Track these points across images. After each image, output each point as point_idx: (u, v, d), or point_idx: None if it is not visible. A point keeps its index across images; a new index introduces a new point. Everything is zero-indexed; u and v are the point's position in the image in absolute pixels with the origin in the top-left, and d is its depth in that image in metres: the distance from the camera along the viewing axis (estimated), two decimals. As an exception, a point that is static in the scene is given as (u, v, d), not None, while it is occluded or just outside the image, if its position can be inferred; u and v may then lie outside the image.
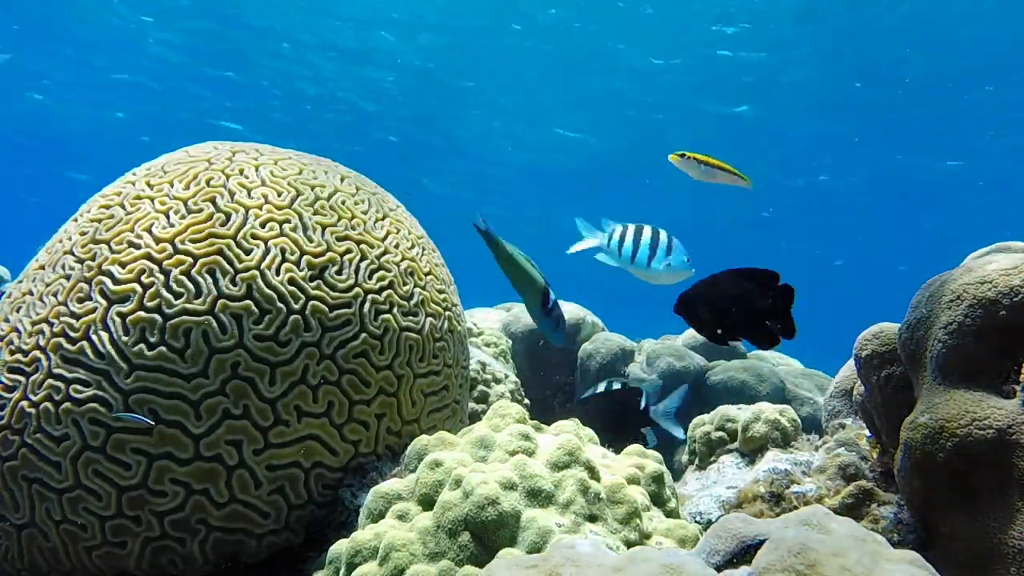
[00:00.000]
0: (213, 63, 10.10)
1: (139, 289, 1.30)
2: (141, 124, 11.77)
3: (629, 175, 12.50)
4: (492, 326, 3.05)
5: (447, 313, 1.60)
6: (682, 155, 1.88)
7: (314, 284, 1.38)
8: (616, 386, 1.84)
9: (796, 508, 1.42)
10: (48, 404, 1.26)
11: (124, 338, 1.28)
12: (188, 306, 1.29)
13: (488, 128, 11.45)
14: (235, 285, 1.33)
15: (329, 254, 1.42)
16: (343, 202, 1.51)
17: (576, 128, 11.40)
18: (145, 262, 1.33)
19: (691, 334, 3.35)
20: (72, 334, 1.29)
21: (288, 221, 1.42)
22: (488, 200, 14.57)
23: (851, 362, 1.71)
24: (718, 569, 0.76)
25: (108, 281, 1.32)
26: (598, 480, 1.08)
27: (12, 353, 1.32)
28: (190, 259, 1.33)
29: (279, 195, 1.45)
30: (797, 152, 11.29)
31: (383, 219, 1.57)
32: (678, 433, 1.74)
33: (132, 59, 10.06)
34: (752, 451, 1.79)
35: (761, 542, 0.73)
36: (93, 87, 10.87)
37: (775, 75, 9.30)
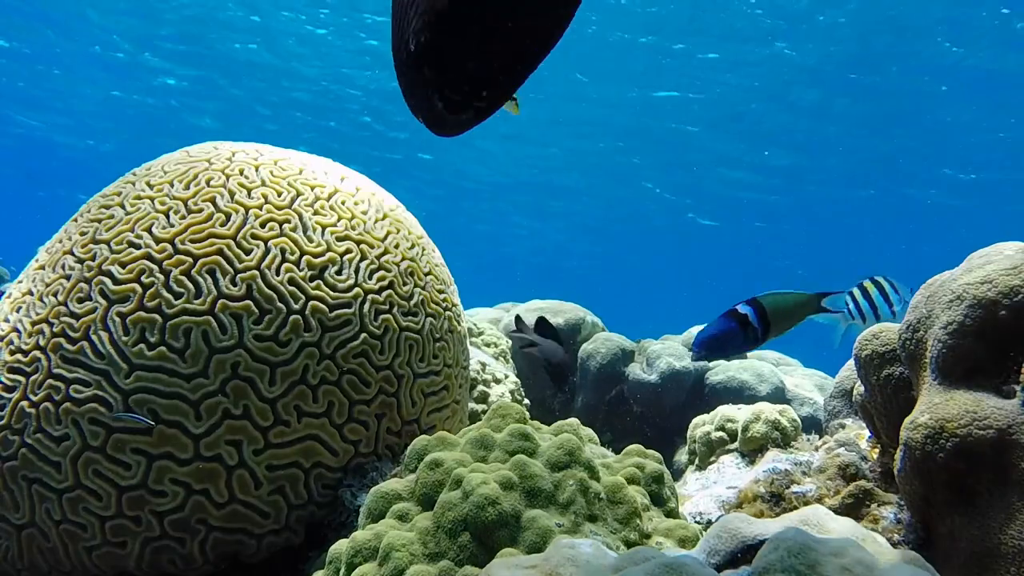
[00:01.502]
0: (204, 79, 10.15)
1: (139, 289, 1.30)
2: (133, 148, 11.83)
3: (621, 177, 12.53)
4: (492, 326, 3.05)
5: (447, 313, 1.60)
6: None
7: (314, 284, 1.38)
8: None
9: (796, 508, 1.42)
10: (48, 404, 1.26)
11: (124, 338, 1.28)
12: (188, 306, 1.29)
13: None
14: (235, 285, 1.33)
15: (329, 254, 1.42)
16: (343, 202, 1.51)
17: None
18: (145, 262, 1.33)
19: (690, 334, 3.35)
20: (72, 334, 1.29)
21: (288, 221, 1.42)
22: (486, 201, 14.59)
23: (851, 362, 1.71)
24: (718, 569, 0.76)
25: (108, 281, 1.32)
26: (598, 480, 1.08)
27: (12, 353, 1.32)
28: (190, 259, 1.33)
29: (279, 195, 1.45)
30: (795, 158, 11.31)
31: (383, 219, 1.57)
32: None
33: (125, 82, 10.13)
34: (752, 451, 1.79)
35: (761, 542, 0.73)
36: (81, 112, 10.92)
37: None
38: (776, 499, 1.49)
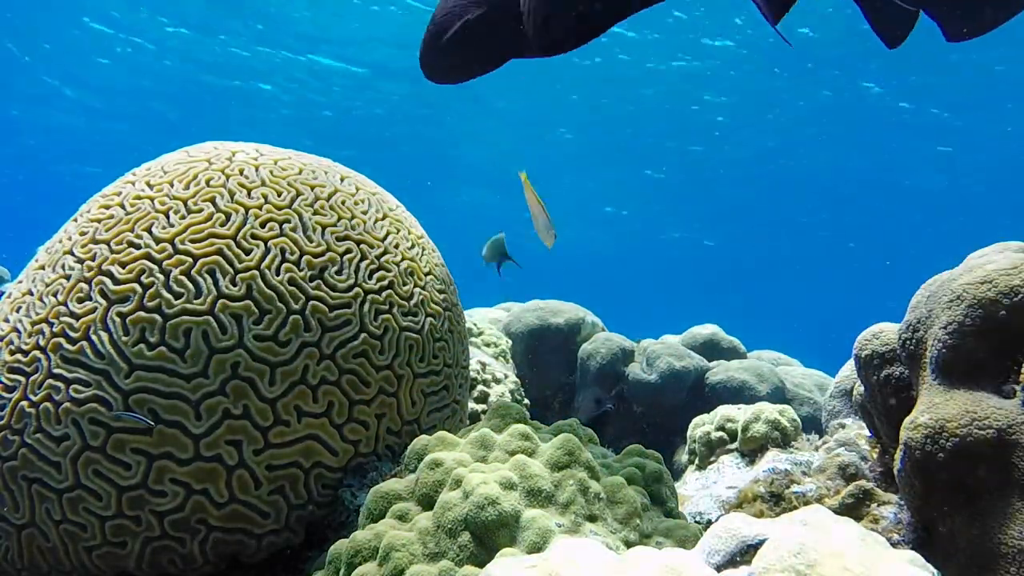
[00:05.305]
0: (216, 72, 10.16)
1: (139, 289, 1.30)
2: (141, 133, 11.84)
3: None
4: (492, 326, 3.05)
5: (447, 313, 1.60)
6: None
7: (314, 284, 1.38)
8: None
9: (796, 508, 1.42)
10: (48, 404, 1.26)
11: (124, 338, 1.28)
12: (188, 306, 1.29)
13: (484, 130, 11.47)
14: (235, 285, 1.33)
15: (329, 254, 1.42)
16: (343, 202, 1.51)
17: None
18: (145, 262, 1.33)
19: (690, 334, 3.35)
20: (72, 334, 1.29)
21: (288, 221, 1.42)
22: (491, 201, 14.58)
23: (851, 362, 1.71)
24: (718, 569, 0.76)
25: (108, 281, 1.32)
26: (598, 480, 1.08)
27: (12, 353, 1.32)
28: (190, 259, 1.33)
29: (279, 195, 1.45)
30: (795, 159, 11.31)
31: (383, 219, 1.57)
32: None
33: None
34: (752, 451, 1.79)
35: (761, 542, 0.73)
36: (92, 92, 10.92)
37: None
38: (776, 499, 1.49)
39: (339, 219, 1.47)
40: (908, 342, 1.27)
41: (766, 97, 9.77)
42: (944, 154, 10.56)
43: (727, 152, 11.39)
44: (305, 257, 1.39)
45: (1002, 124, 9.44)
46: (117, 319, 1.29)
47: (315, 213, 1.45)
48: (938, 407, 1.13)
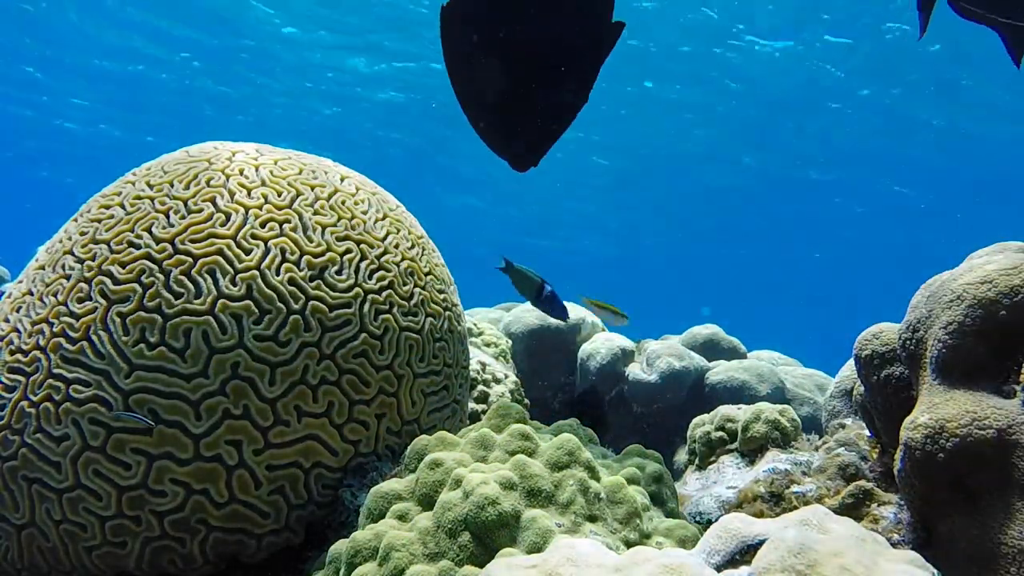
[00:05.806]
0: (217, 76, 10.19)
1: (139, 289, 1.30)
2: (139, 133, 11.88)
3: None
4: (492, 326, 3.05)
5: (447, 313, 1.60)
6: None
7: (314, 284, 1.38)
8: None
9: (796, 508, 1.42)
10: (48, 404, 1.26)
11: (124, 338, 1.28)
12: (188, 306, 1.29)
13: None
14: (235, 285, 1.33)
15: (329, 254, 1.42)
16: (343, 202, 1.51)
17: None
18: (145, 262, 1.33)
19: (690, 334, 3.35)
20: (72, 334, 1.29)
21: (288, 221, 1.42)
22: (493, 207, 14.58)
23: (851, 362, 1.71)
24: (718, 569, 0.76)
25: (108, 281, 1.32)
26: (598, 480, 1.08)
27: (12, 353, 1.32)
28: (190, 259, 1.33)
29: (279, 195, 1.45)
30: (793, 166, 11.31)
31: (383, 219, 1.57)
32: None
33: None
34: (752, 451, 1.79)
35: (761, 542, 0.73)
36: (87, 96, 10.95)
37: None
38: (776, 499, 1.49)
39: (339, 219, 1.47)
40: (908, 342, 1.27)
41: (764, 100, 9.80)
42: (940, 156, 10.58)
43: (725, 154, 11.40)
44: (305, 257, 1.39)
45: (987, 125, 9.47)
46: (117, 319, 1.29)
47: (315, 213, 1.45)
48: (938, 407, 1.13)
